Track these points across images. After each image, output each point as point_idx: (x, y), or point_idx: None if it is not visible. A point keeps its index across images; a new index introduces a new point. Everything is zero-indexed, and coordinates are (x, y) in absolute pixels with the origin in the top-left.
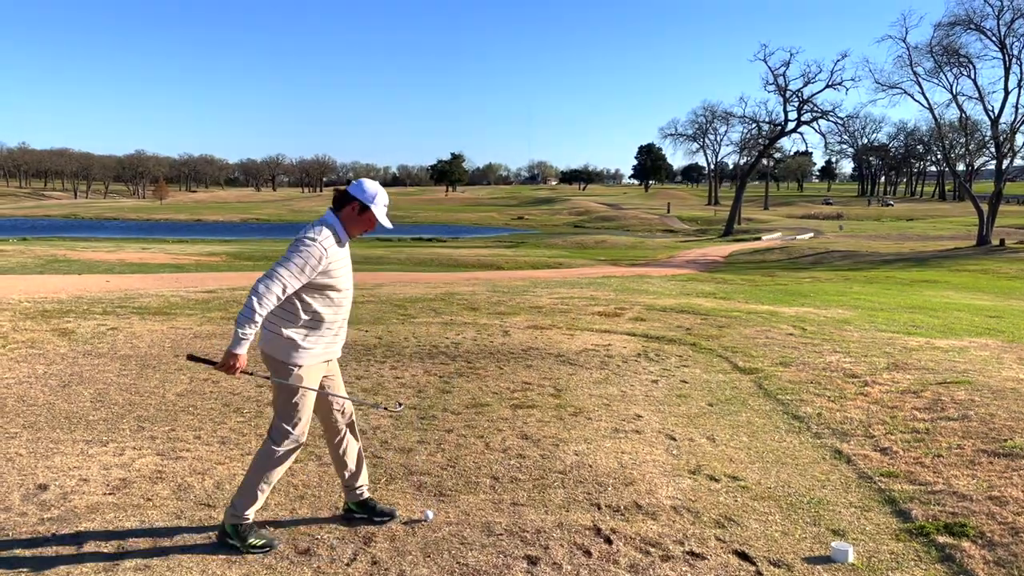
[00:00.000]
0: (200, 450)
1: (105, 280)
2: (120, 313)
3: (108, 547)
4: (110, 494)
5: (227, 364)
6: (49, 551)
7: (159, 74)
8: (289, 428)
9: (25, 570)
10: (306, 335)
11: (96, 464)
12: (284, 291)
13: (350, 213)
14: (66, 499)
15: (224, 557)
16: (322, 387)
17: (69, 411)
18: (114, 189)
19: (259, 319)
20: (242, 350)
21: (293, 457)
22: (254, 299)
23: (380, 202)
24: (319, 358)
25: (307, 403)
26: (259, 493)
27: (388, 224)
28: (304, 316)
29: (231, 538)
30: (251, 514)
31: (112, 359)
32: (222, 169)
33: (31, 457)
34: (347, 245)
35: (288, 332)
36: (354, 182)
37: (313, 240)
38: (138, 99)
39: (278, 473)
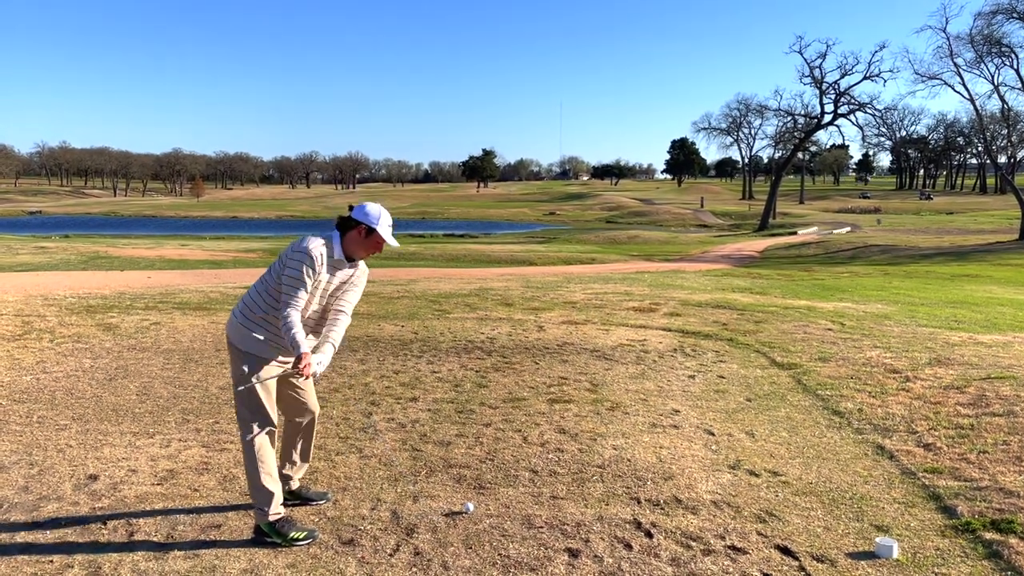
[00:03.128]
0: None
1: (146, 276)
2: (162, 308)
3: (158, 535)
4: (158, 484)
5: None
6: (101, 539)
7: (195, 74)
8: (254, 415)
9: (79, 556)
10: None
11: (144, 455)
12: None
13: (356, 237)
14: (116, 489)
15: (270, 546)
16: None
17: (116, 404)
18: (152, 187)
19: (298, 335)
20: (304, 348)
21: (271, 440)
22: (291, 333)
23: (384, 223)
24: (273, 353)
25: (269, 391)
26: (266, 486)
27: (395, 243)
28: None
29: (270, 536)
30: (279, 509)
31: (156, 353)
32: (257, 167)
33: (81, 448)
34: (345, 267)
35: (272, 326)
36: (356, 207)
37: (308, 251)
38: (175, 99)
39: (268, 460)
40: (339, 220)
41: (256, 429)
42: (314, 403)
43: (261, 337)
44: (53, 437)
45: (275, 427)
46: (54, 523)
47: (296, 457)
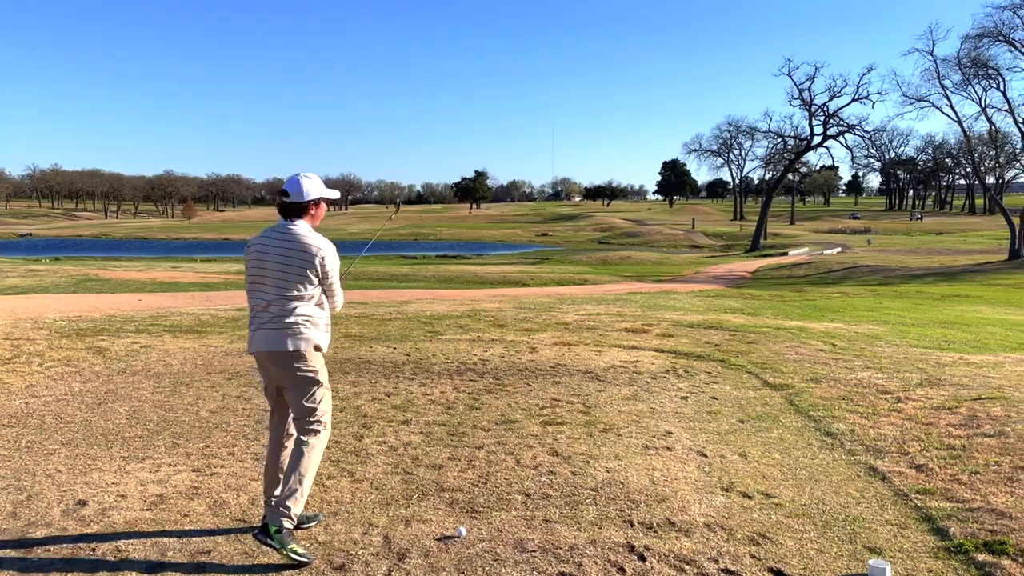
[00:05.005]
0: (235, 466)
1: (137, 299)
2: (152, 331)
3: (147, 562)
4: (147, 510)
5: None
6: (89, 566)
7: (187, 96)
8: (328, 415)
9: None
10: (327, 323)
11: (133, 480)
12: None
13: (316, 212)
14: (105, 515)
15: (261, 572)
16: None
17: (105, 428)
18: (143, 209)
19: None
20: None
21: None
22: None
23: (318, 185)
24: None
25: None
26: (307, 492)
27: (334, 194)
28: (325, 308)
29: (272, 539)
30: (294, 519)
31: (146, 377)
32: (249, 188)
33: (70, 473)
34: (274, 238)
35: (318, 326)
36: (294, 190)
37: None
38: (167, 121)
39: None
40: (291, 207)
41: (326, 432)
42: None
43: (321, 333)
44: (42, 462)
45: None
46: (42, 550)
47: (281, 470)
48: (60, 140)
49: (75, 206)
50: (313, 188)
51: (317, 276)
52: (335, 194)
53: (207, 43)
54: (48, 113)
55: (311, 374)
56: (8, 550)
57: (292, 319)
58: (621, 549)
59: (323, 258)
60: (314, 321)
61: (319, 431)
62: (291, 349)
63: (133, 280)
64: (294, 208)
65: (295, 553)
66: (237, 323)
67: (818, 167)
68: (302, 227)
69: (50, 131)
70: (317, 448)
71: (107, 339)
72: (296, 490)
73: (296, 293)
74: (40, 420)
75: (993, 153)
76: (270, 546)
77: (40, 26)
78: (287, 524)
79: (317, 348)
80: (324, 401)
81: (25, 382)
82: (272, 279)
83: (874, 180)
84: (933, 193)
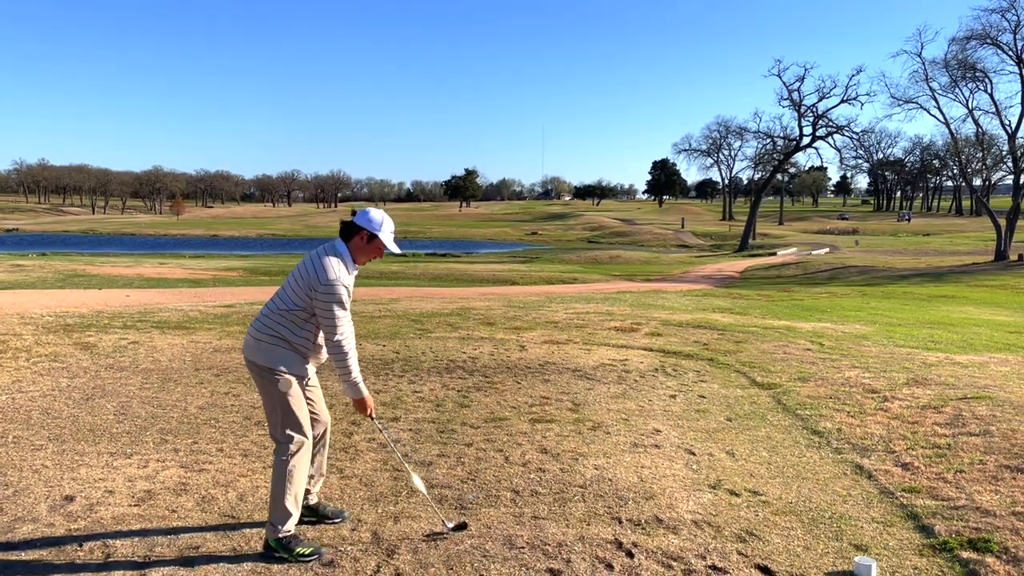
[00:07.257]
0: (223, 462)
1: (125, 295)
2: (140, 327)
3: (135, 558)
4: (135, 505)
5: (361, 408)
6: (77, 561)
7: (176, 91)
8: (292, 431)
9: None
10: (304, 348)
11: (121, 476)
12: (350, 332)
13: (359, 243)
14: (92, 510)
15: (249, 568)
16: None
17: (93, 424)
18: (131, 205)
19: (355, 366)
20: (366, 392)
21: (306, 461)
22: (348, 360)
23: (387, 229)
24: (307, 368)
25: (300, 404)
26: (287, 507)
27: (396, 249)
28: (308, 331)
29: (278, 551)
30: (291, 528)
31: (134, 373)
32: (238, 185)
33: (57, 469)
34: (355, 273)
35: (289, 344)
36: (359, 212)
37: (336, 281)
38: (155, 116)
39: (298, 482)
40: (342, 226)
41: (294, 448)
42: (326, 412)
43: (289, 353)
44: (28, 457)
45: (311, 442)
46: (29, 545)
47: (313, 471)
48: (47, 135)
49: (62, 201)
50: (372, 218)
51: (310, 300)
52: (386, 239)
53: (197, 39)
54: (35, 107)
55: (269, 391)
56: None
57: (264, 328)
58: (609, 546)
59: (317, 284)
60: (286, 338)
61: (280, 451)
62: (256, 360)
63: (121, 276)
64: (344, 228)
65: (303, 557)
66: (226, 319)
67: (807, 168)
68: (336, 248)
69: (37, 126)
70: (279, 468)
71: (95, 335)
72: (273, 506)
73: (283, 306)
74: (27, 415)
75: (980, 155)
76: (279, 559)
77: (26, 20)
78: (280, 535)
79: (274, 371)
80: (284, 420)
81: (11, 377)
82: (281, 286)
83: (862, 181)
84: (920, 194)
